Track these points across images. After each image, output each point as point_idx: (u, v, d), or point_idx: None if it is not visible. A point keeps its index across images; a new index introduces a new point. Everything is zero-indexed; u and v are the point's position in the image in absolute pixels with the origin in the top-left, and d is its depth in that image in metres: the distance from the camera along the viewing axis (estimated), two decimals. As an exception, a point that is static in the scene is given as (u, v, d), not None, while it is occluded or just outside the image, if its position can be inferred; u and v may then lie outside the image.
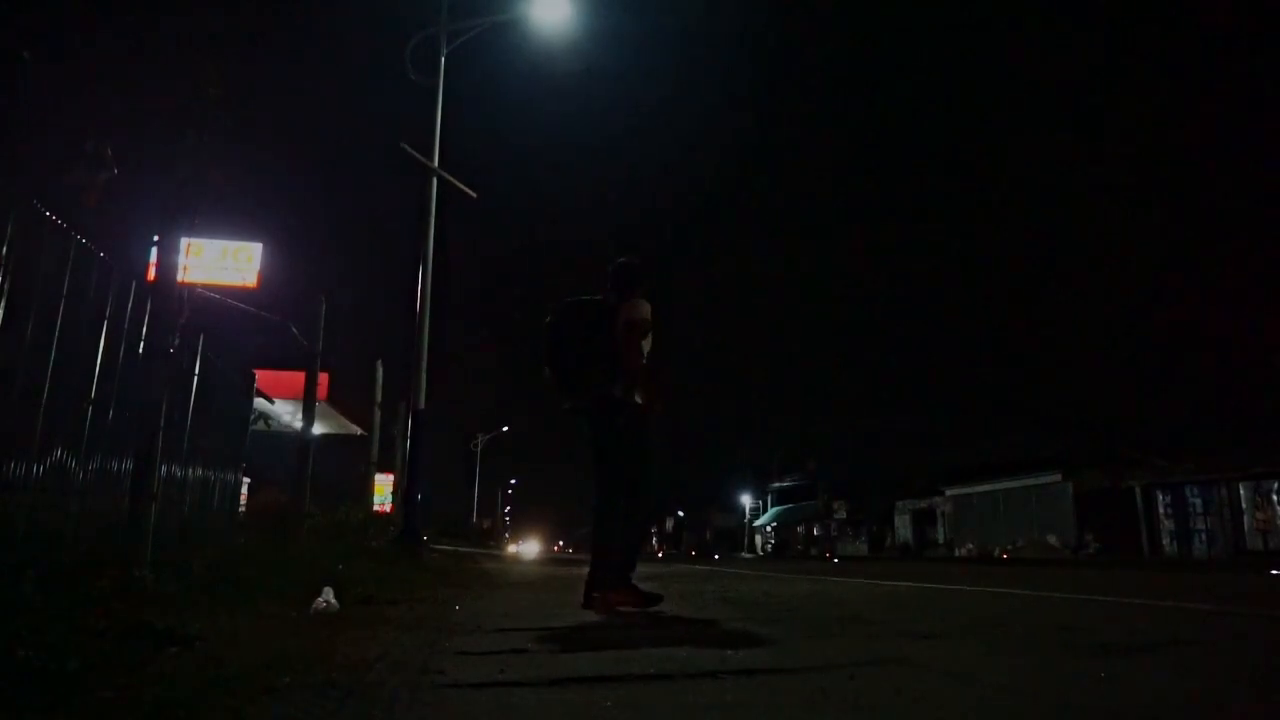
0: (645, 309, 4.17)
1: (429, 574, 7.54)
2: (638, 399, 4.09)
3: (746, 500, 58.60)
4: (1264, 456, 21.43)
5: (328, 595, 3.72)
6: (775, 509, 54.34)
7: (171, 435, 4.95)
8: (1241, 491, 22.17)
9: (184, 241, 4.17)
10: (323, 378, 12.99)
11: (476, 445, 43.53)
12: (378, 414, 17.08)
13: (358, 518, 11.76)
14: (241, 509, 9.76)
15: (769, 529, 54.97)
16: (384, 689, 1.93)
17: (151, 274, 4.50)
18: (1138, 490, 25.18)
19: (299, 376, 11.32)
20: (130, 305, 4.77)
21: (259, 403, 10.52)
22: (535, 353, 4.28)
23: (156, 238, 4.24)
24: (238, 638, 2.56)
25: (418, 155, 10.05)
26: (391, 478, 19.25)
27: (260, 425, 12.29)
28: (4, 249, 3.54)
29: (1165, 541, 24.30)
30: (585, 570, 4.30)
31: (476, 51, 12.10)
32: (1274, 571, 10.46)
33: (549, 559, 26.26)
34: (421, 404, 9.59)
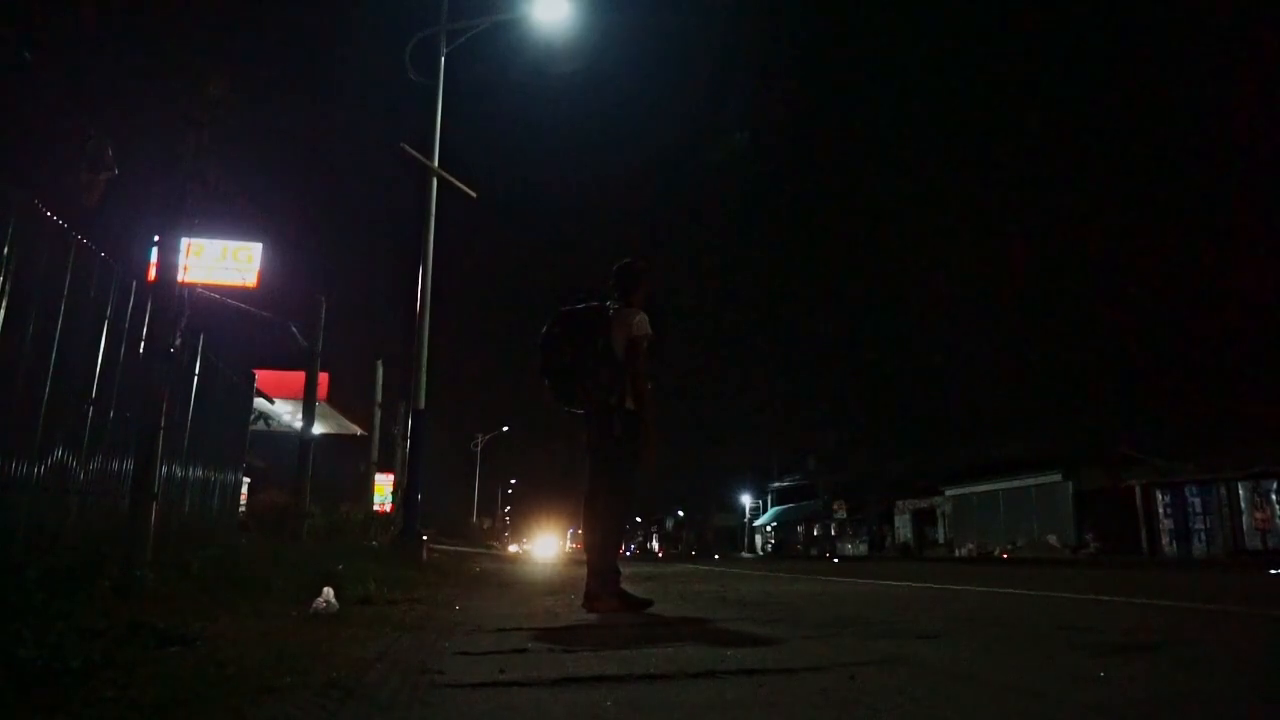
0: (644, 323, 4.18)
1: (429, 574, 7.55)
2: (631, 406, 4.10)
3: (746, 500, 58.55)
4: (1263, 456, 21.42)
5: (328, 595, 3.72)
6: (775, 509, 54.31)
7: (171, 435, 4.96)
8: (1240, 491, 22.15)
9: (184, 241, 4.17)
10: (323, 378, 13.00)
11: (477, 445, 43.51)
12: (378, 414, 17.10)
13: (358, 518, 11.78)
14: (241, 509, 9.77)
15: (769, 529, 54.94)
16: (384, 689, 1.93)
17: (152, 274, 4.50)
18: (1137, 490, 25.16)
19: (299, 376, 11.34)
20: (130, 305, 4.77)
21: (259, 403, 10.53)
22: (534, 358, 4.28)
23: (156, 238, 4.24)
24: (238, 638, 2.56)
25: (418, 155, 10.05)
26: (391, 478, 19.27)
27: (260, 425, 12.31)
28: (5, 249, 3.54)
29: (1165, 541, 24.28)
30: (585, 570, 4.30)
31: (476, 51, 12.12)
32: (1273, 571, 10.46)
33: (567, 559, 25.70)
34: (421, 404, 9.59)
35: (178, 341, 4.11)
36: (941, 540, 35.55)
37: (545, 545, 48.18)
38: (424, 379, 9.62)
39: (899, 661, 2.30)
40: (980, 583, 6.85)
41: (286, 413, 15.14)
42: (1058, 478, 28.68)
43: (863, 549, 41.99)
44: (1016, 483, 30.75)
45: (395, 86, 10.94)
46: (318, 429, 13.52)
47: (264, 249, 14.28)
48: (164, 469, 4.65)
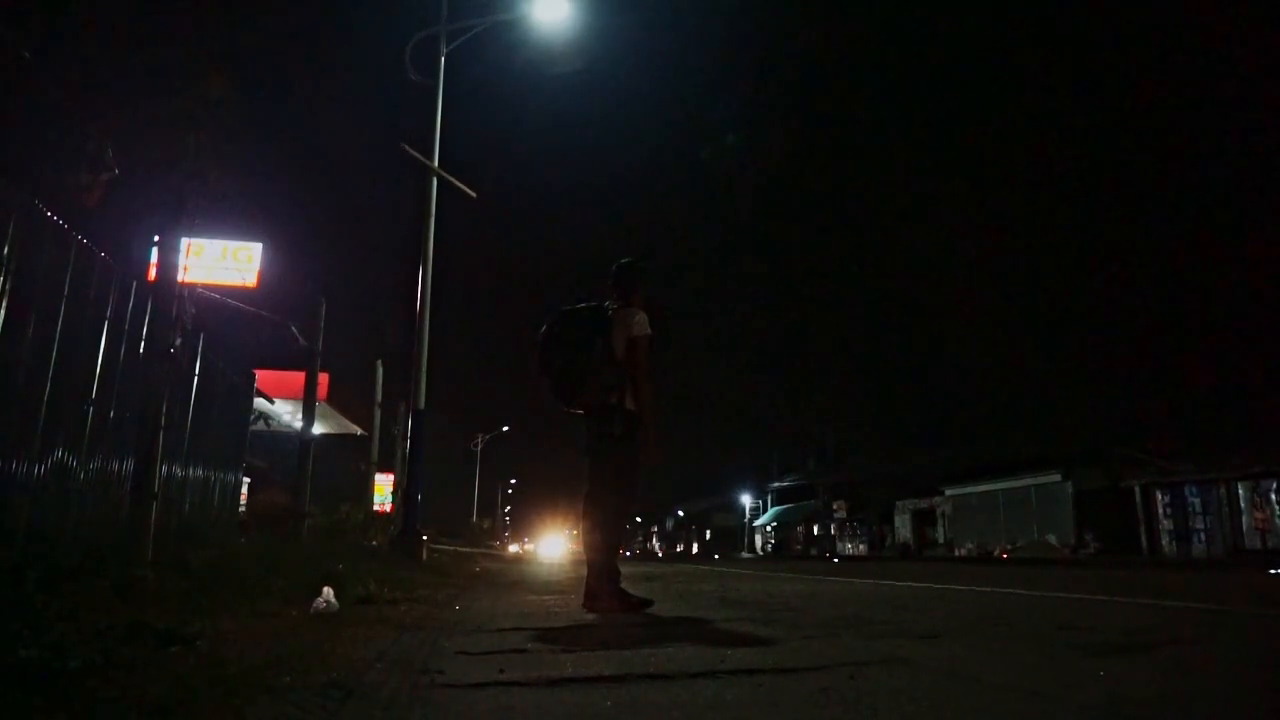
0: (644, 323, 4.17)
1: (429, 574, 7.55)
2: (630, 406, 4.10)
3: (746, 500, 58.54)
4: (1262, 456, 21.42)
5: (328, 595, 3.72)
6: (775, 509, 54.28)
7: (171, 435, 4.96)
8: (1240, 491, 22.16)
9: (184, 241, 4.17)
10: (323, 378, 12.99)
11: (477, 445, 43.50)
12: (378, 414, 17.08)
13: (358, 518, 11.77)
14: (241, 509, 9.77)
15: (769, 529, 54.93)
16: (384, 689, 1.93)
17: (152, 274, 4.50)
18: (1137, 490, 25.16)
19: (299, 376, 11.33)
20: (130, 305, 4.77)
21: (259, 403, 10.53)
22: (534, 358, 4.27)
23: (157, 238, 4.24)
24: (238, 638, 2.56)
25: (418, 155, 10.05)
26: (391, 478, 19.25)
27: (260, 425, 12.30)
28: (5, 249, 3.54)
29: (1164, 541, 24.29)
30: (586, 571, 4.30)
31: (476, 51, 12.11)
32: (1272, 571, 10.47)
33: (575, 559, 25.46)
34: (421, 404, 9.59)
35: (178, 341, 4.11)
36: (941, 540, 35.55)
37: (550, 545, 46.51)
38: (424, 379, 9.62)
39: (899, 661, 2.30)
40: (980, 583, 6.85)
41: (286, 413, 15.14)
42: (1058, 478, 28.68)
43: (863, 549, 41.98)
44: (1016, 483, 30.75)
45: (395, 86, 10.94)
46: (318, 429, 13.52)
47: (264, 249, 14.28)
48: (164, 469, 4.65)
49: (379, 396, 17.05)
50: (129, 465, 4.37)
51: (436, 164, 10.23)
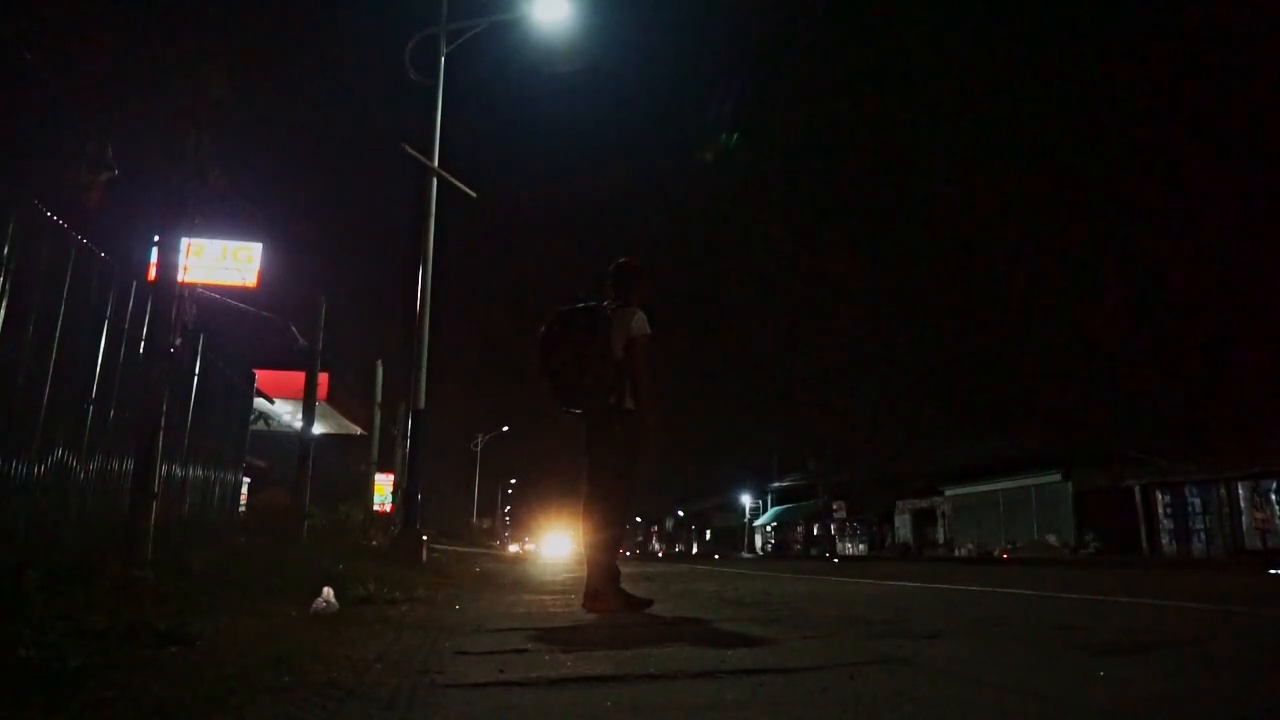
0: (643, 322, 4.17)
1: (429, 574, 7.55)
2: (630, 406, 4.10)
3: (746, 500, 58.51)
4: (1262, 456, 21.42)
5: (328, 595, 3.72)
6: (775, 509, 54.26)
7: (171, 435, 4.96)
8: (1240, 491, 22.16)
9: (184, 241, 4.17)
10: (323, 378, 12.99)
11: (477, 445, 43.49)
12: (378, 414, 17.09)
13: (358, 517, 11.79)
14: (241, 509, 9.78)
15: (769, 529, 54.92)
16: (384, 689, 1.93)
17: (152, 274, 4.50)
18: (1137, 490, 25.16)
19: (299, 376, 11.34)
20: (130, 305, 4.77)
21: (259, 403, 10.53)
22: (534, 358, 4.27)
23: (157, 238, 4.24)
24: (238, 638, 2.56)
25: (418, 155, 10.04)
26: (391, 478, 19.26)
27: (260, 425, 12.30)
28: (5, 249, 3.54)
29: (1164, 541, 24.29)
30: (585, 571, 4.30)
31: (476, 51, 12.12)
32: (1272, 571, 10.46)
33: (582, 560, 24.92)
34: (421, 404, 9.59)
35: (178, 341, 4.11)
36: (941, 540, 35.54)
37: (551, 545, 45.03)
38: (424, 379, 9.61)
39: (899, 661, 2.30)
40: (980, 583, 6.85)
41: (286, 413, 15.13)
42: (1058, 478, 28.67)
43: (863, 549, 41.97)
44: (1016, 483, 30.74)
45: (395, 86, 10.94)
46: (318, 429, 13.53)
47: (264, 249, 14.28)
48: (164, 469, 4.65)
49: (379, 396, 17.07)
50: (129, 465, 4.36)
51: (436, 164, 10.23)
